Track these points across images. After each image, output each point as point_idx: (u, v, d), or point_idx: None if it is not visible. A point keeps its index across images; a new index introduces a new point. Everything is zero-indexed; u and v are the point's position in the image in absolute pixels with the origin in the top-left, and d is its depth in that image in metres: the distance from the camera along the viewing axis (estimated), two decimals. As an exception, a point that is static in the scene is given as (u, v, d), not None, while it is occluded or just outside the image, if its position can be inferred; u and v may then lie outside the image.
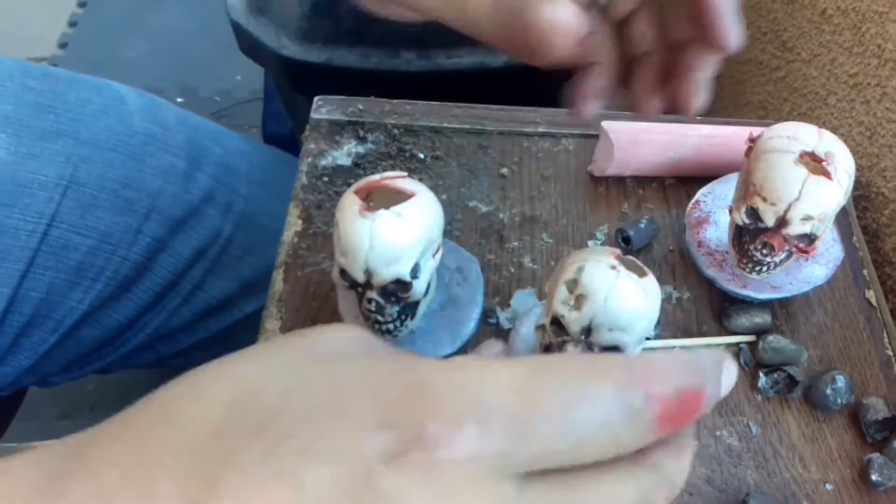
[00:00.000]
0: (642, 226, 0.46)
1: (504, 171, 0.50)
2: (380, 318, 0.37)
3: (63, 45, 1.57)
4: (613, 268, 0.34)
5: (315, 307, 0.44)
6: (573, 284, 0.34)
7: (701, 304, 0.45)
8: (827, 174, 0.37)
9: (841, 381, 0.40)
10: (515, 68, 0.76)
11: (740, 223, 0.40)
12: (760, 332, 0.43)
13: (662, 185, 0.50)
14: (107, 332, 0.60)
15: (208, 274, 0.63)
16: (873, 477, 0.38)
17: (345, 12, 0.74)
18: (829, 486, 0.38)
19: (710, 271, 0.44)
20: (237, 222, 0.64)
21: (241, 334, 0.67)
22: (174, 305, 0.63)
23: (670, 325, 0.44)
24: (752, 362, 0.42)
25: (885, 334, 0.44)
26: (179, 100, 1.46)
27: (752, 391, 0.41)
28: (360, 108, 0.53)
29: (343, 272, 0.36)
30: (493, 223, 0.48)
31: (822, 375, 0.41)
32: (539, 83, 0.78)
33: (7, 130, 0.53)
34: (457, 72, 0.75)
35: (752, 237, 0.40)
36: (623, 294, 0.33)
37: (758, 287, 0.43)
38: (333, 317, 0.43)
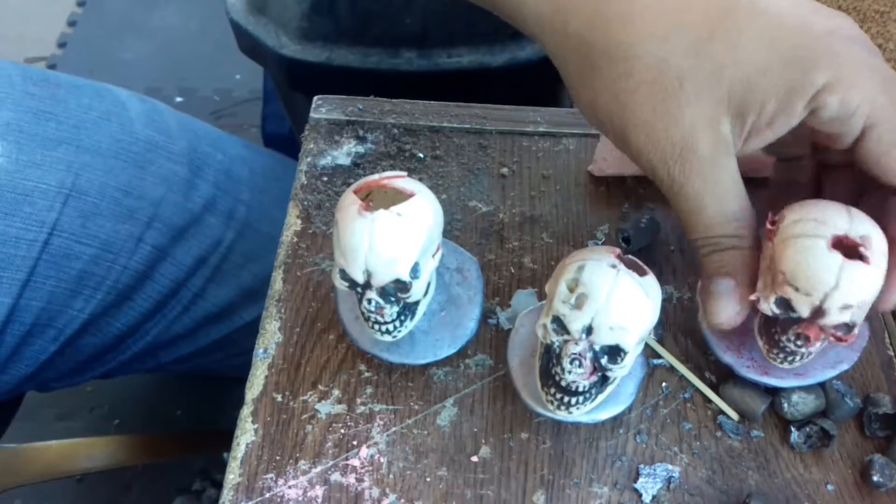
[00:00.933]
0: (643, 225, 0.46)
1: (504, 170, 0.50)
2: (379, 318, 0.37)
3: (62, 45, 1.57)
4: (614, 267, 0.34)
5: (314, 307, 0.44)
6: (574, 283, 0.34)
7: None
8: (864, 259, 0.33)
9: (843, 386, 0.40)
10: (515, 68, 0.75)
11: (770, 314, 0.35)
12: (749, 418, 0.40)
13: (663, 185, 0.50)
14: (107, 340, 0.60)
15: (209, 282, 0.63)
16: (875, 478, 0.37)
17: (345, 12, 0.74)
18: (830, 487, 0.38)
19: (728, 357, 0.40)
20: (238, 230, 0.64)
21: (242, 341, 0.67)
22: (175, 314, 0.63)
23: (671, 325, 0.44)
24: (737, 429, 0.40)
25: (886, 334, 0.44)
26: (179, 99, 1.46)
27: (784, 447, 0.40)
28: (360, 107, 0.53)
29: (342, 272, 0.36)
30: (493, 223, 0.48)
31: (827, 391, 0.40)
32: (539, 83, 0.78)
33: (8, 138, 0.53)
34: (457, 71, 0.75)
35: (783, 328, 0.36)
36: (624, 293, 0.33)
37: (780, 374, 0.39)
38: (333, 317, 0.43)
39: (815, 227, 0.34)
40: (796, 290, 0.34)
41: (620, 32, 0.34)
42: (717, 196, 0.35)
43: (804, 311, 0.34)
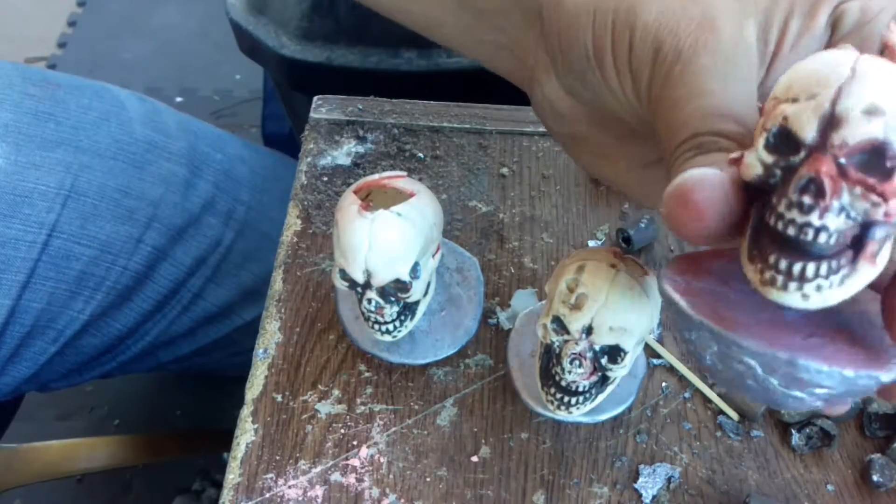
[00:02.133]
0: (643, 225, 0.46)
1: (504, 170, 0.50)
2: (379, 318, 0.37)
3: (62, 45, 1.57)
4: (614, 267, 0.34)
5: (314, 307, 0.44)
6: (574, 283, 0.34)
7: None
8: (892, 52, 0.24)
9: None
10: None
11: (760, 171, 0.22)
12: (749, 418, 0.40)
13: (663, 185, 0.50)
14: (107, 341, 0.60)
15: (208, 282, 0.63)
16: (875, 478, 0.38)
17: (345, 12, 0.74)
18: (830, 487, 0.38)
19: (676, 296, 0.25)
20: (238, 230, 0.64)
21: (242, 341, 0.67)
22: (174, 314, 0.63)
23: (671, 325, 0.44)
24: (737, 429, 0.40)
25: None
26: (179, 99, 1.46)
27: (784, 447, 0.40)
28: (360, 107, 0.53)
29: (342, 272, 0.36)
30: (493, 223, 0.48)
31: None
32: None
33: (7, 139, 0.53)
34: (457, 71, 0.75)
35: (783, 187, 0.21)
36: (624, 293, 0.33)
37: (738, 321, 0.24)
38: (333, 317, 0.43)
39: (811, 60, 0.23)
40: (794, 101, 0.21)
41: None
42: (727, 83, 0.27)
43: (809, 129, 0.21)
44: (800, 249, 0.21)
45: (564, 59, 0.33)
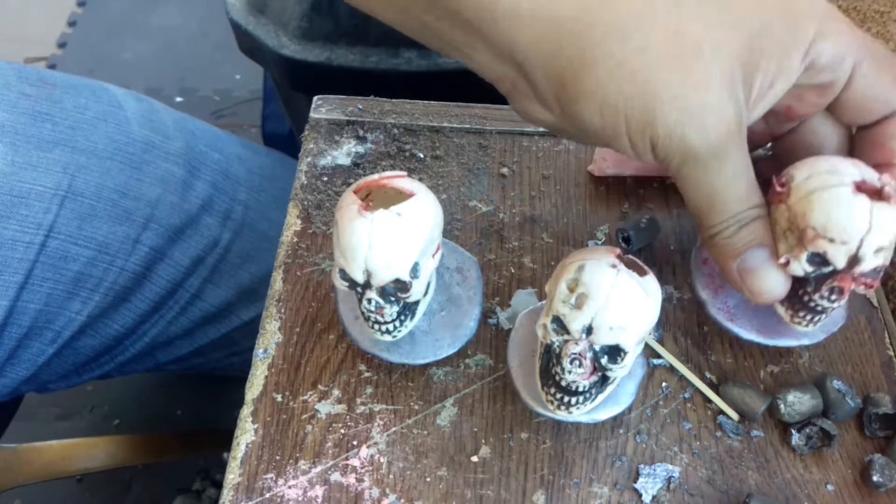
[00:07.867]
0: (643, 225, 0.46)
1: (504, 170, 0.50)
2: (379, 318, 0.37)
3: (62, 45, 1.57)
4: (614, 266, 0.34)
5: (314, 307, 0.44)
6: (574, 283, 0.34)
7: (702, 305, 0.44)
8: (888, 197, 0.33)
9: (843, 386, 0.40)
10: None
11: (802, 273, 0.34)
12: (749, 418, 0.40)
13: (663, 185, 0.50)
14: (105, 342, 0.60)
15: (206, 282, 0.63)
16: (875, 478, 0.37)
17: (345, 12, 0.74)
18: (830, 487, 0.38)
19: (704, 294, 0.41)
20: (236, 230, 0.64)
21: (240, 341, 0.67)
22: (172, 314, 0.63)
23: (671, 325, 0.44)
24: (737, 429, 0.40)
25: (886, 334, 0.44)
26: (179, 99, 1.46)
27: (784, 447, 0.40)
28: (360, 107, 0.53)
29: (342, 272, 0.36)
30: (493, 223, 0.48)
31: (827, 391, 0.40)
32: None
33: (3, 140, 0.53)
34: (457, 71, 0.75)
35: (816, 285, 0.35)
36: (624, 293, 0.33)
37: (745, 325, 0.40)
38: (333, 317, 0.43)
39: (832, 178, 0.33)
40: (831, 241, 0.33)
41: (625, 4, 0.31)
42: (747, 164, 0.33)
43: (840, 261, 0.33)
44: (821, 310, 0.36)
45: (564, 113, 0.34)
